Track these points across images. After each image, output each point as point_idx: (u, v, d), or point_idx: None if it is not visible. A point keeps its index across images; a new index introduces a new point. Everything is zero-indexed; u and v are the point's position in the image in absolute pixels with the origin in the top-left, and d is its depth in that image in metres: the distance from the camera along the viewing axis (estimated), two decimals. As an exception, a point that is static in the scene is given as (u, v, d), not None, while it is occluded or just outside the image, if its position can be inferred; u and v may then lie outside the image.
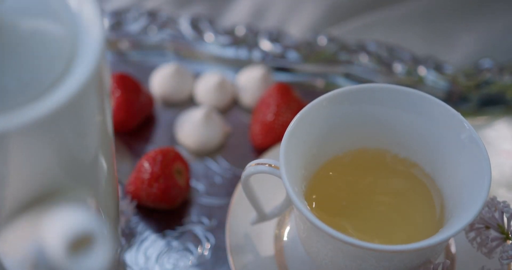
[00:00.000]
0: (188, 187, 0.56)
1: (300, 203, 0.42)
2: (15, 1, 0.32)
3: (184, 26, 0.67)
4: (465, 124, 0.45)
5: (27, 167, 0.32)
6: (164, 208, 0.55)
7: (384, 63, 0.65)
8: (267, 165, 0.45)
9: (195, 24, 0.68)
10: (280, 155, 0.43)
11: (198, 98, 0.63)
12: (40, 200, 0.33)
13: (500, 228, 0.46)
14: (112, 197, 0.43)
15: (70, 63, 0.32)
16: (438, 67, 0.65)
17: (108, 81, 0.36)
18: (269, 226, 0.52)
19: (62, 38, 0.32)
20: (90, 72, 0.31)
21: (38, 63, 0.31)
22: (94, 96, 0.33)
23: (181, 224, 0.55)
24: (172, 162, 0.55)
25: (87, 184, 0.37)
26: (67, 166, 0.35)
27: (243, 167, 0.47)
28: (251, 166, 0.46)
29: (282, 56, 0.66)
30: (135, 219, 0.55)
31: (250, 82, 0.63)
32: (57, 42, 0.32)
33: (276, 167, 0.45)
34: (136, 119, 0.60)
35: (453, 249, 0.50)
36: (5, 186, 0.33)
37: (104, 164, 0.39)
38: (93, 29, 0.33)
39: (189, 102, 0.63)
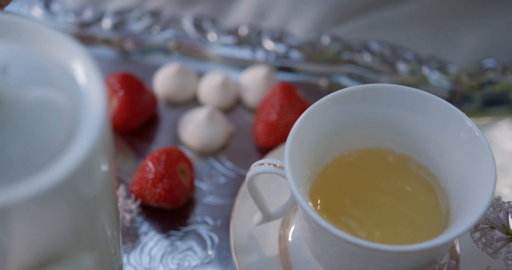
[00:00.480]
0: (192, 187, 0.56)
1: (305, 204, 0.42)
2: (19, 73, 0.33)
3: (187, 26, 0.67)
4: (469, 124, 0.45)
5: (30, 237, 0.33)
6: (168, 208, 0.55)
7: (387, 63, 0.65)
8: (272, 165, 0.45)
9: (198, 24, 0.68)
10: (285, 155, 0.43)
11: (202, 98, 0.63)
12: (39, 267, 0.33)
13: (505, 229, 0.46)
14: (115, 253, 0.43)
15: (73, 133, 0.32)
16: (441, 67, 0.65)
17: (112, 148, 0.36)
18: (274, 226, 0.52)
19: (64, 108, 0.32)
20: (93, 142, 0.32)
21: (41, 134, 0.32)
22: (97, 163, 0.34)
23: (185, 224, 0.55)
24: (176, 162, 0.55)
25: (90, 248, 0.37)
26: (70, 234, 0.35)
27: (246, 167, 0.47)
28: (256, 166, 0.46)
29: (285, 56, 0.66)
30: (139, 219, 0.55)
31: (254, 81, 0.63)
32: (60, 112, 0.32)
33: (281, 167, 0.45)
34: (140, 119, 0.60)
35: (458, 249, 0.50)
36: (6, 256, 0.33)
37: (107, 227, 0.39)
38: (95, 97, 0.33)
39: (193, 101, 0.63)
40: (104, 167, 0.35)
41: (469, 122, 0.45)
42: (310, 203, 0.44)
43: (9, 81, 0.32)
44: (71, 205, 0.33)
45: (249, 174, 0.46)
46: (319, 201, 0.47)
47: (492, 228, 0.46)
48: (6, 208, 0.30)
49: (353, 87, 0.47)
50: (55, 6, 0.69)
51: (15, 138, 0.31)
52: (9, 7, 0.69)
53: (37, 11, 0.68)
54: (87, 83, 0.33)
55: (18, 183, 0.30)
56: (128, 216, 0.54)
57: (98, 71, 0.33)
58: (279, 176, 0.45)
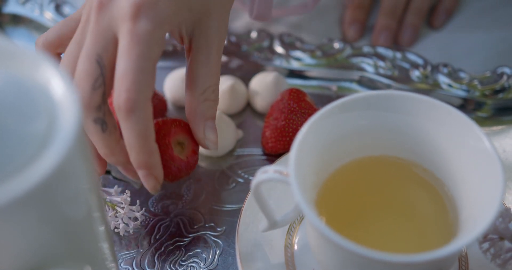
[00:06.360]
0: (193, 162, 0.54)
1: (310, 212, 0.41)
2: None
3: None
4: (479, 133, 0.45)
5: (9, 246, 0.32)
6: (164, 181, 0.52)
7: (398, 69, 0.64)
8: (278, 172, 0.45)
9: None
10: (290, 162, 0.43)
11: (211, 103, 0.63)
12: None
13: (514, 239, 0.45)
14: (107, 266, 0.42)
15: (45, 143, 0.32)
16: (454, 74, 0.64)
17: (89, 160, 0.36)
18: (280, 233, 0.52)
19: (37, 121, 0.32)
20: (61, 157, 0.31)
21: (10, 145, 0.31)
22: (69, 176, 0.33)
23: (191, 230, 0.55)
24: (173, 134, 0.52)
25: (78, 257, 0.37)
26: (52, 246, 0.34)
27: (254, 172, 0.47)
28: (261, 174, 0.45)
29: (295, 60, 0.65)
30: (144, 225, 0.55)
31: (263, 86, 0.62)
32: (31, 125, 0.32)
33: (287, 175, 0.44)
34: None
35: (466, 260, 0.49)
36: None
37: (93, 240, 0.38)
38: (69, 111, 0.32)
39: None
40: (79, 180, 0.34)
41: (478, 130, 0.45)
42: (316, 211, 0.43)
43: None
44: (44, 216, 0.33)
45: (254, 182, 0.45)
46: (325, 209, 0.47)
47: (502, 238, 0.46)
48: None
49: (361, 94, 0.47)
50: (66, 9, 0.69)
51: None
52: (21, 10, 0.69)
53: (48, 14, 0.68)
54: (61, 99, 0.33)
55: None
56: (132, 223, 0.53)
57: (72, 88, 0.33)
58: (285, 183, 0.44)
